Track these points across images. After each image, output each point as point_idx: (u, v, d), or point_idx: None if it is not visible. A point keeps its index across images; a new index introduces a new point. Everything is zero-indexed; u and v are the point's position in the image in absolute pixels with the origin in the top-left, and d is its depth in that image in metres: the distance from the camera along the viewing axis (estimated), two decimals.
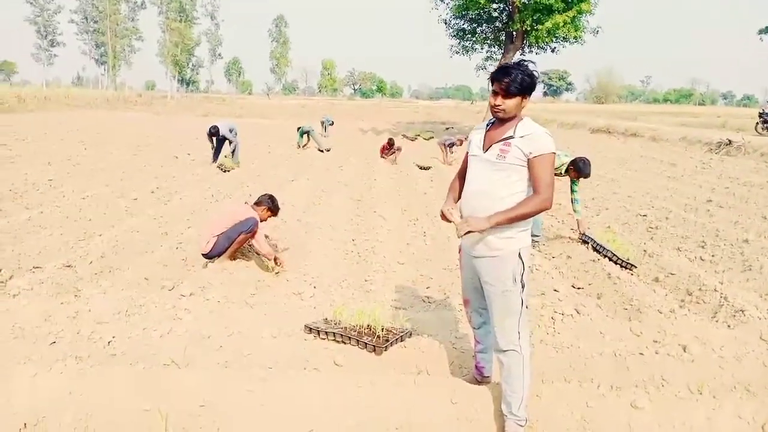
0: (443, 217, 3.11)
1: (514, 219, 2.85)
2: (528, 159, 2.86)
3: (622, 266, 6.13)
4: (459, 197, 3.19)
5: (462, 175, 3.22)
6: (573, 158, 6.67)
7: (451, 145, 16.01)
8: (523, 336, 3.00)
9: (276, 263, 5.83)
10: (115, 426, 3.02)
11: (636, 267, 6.19)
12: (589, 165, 6.64)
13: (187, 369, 3.48)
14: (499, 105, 2.87)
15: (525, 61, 2.92)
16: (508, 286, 2.96)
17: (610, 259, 6.22)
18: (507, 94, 2.83)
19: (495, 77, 2.87)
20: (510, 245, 2.94)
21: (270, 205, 6.01)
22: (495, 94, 2.88)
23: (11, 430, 2.98)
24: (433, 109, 60.70)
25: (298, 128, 18.95)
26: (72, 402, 3.12)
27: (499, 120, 2.95)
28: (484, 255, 2.99)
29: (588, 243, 6.67)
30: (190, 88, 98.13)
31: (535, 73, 2.87)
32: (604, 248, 6.34)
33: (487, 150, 2.96)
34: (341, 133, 24.78)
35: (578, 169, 6.60)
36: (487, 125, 3.07)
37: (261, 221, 5.88)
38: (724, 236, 7.21)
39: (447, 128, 31.13)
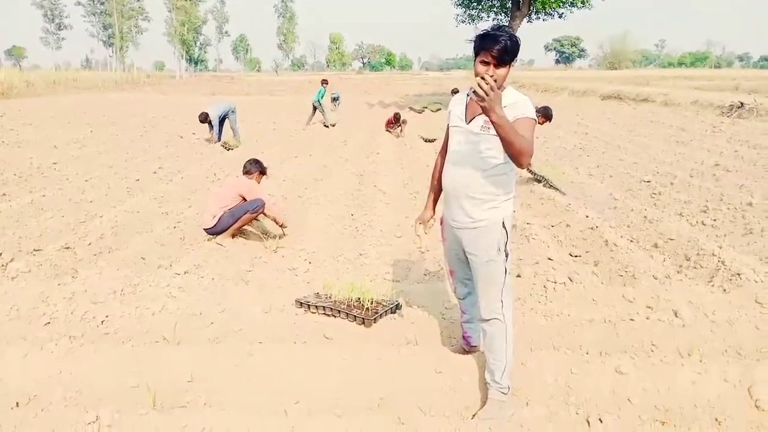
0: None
1: (509, 136, 2.54)
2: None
3: (558, 190, 7.89)
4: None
5: (445, 152, 3.12)
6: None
7: None
8: (506, 305, 2.98)
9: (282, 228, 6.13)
10: (104, 402, 3.07)
11: (565, 194, 7.72)
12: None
13: (176, 345, 3.53)
14: (491, 76, 2.69)
15: (501, 25, 2.85)
16: (492, 255, 2.93)
17: (549, 186, 8.07)
18: (499, 63, 2.72)
19: (483, 46, 2.74)
20: (494, 215, 2.90)
21: (259, 168, 6.21)
22: (485, 63, 2.73)
23: (4, 409, 3.04)
24: (442, 80, 59.89)
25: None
26: (62, 380, 3.19)
27: None
28: (468, 226, 2.96)
29: (532, 172, 8.37)
30: (198, 67, 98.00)
31: (518, 38, 2.79)
32: (543, 176, 8.26)
33: (470, 121, 2.89)
34: (347, 108, 24.62)
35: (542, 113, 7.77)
36: (467, 95, 3.00)
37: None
38: (728, 200, 7.11)
39: (454, 91, 30.74)
